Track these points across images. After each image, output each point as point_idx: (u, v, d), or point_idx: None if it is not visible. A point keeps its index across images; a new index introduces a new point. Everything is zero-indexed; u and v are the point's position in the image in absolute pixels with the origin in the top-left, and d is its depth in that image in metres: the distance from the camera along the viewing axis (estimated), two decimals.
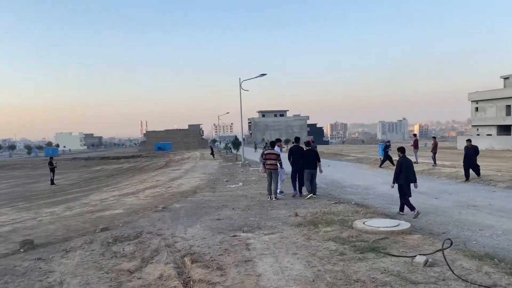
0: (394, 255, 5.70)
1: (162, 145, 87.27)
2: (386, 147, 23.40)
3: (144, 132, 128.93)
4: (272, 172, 11.93)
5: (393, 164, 22.46)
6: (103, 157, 66.42)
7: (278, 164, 11.97)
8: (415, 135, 25.63)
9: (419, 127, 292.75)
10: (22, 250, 7.32)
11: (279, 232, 7.57)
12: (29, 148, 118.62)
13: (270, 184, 12.10)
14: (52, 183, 26.57)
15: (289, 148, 13.21)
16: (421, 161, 24.58)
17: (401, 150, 10.17)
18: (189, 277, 5.27)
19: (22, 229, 9.97)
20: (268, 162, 11.97)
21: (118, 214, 11.25)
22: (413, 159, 23.04)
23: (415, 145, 23.76)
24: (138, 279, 5.33)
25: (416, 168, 20.67)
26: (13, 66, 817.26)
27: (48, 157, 36.01)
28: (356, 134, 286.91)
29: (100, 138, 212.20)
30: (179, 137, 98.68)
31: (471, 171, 15.82)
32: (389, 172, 20.55)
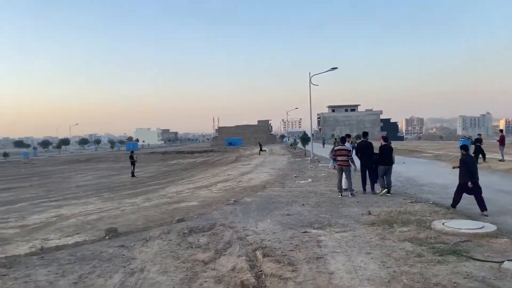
0: (478, 260, 5.30)
1: (233, 141, 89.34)
2: (477, 141, 21.83)
3: (216, 127, 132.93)
4: (344, 168, 11.68)
5: (484, 160, 20.99)
6: (179, 152, 69.55)
7: (349, 161, 11.69)
8: (501, 130, 23.60)
9: (505, 122, 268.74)
10: (107, 238, 7.93)
11: (351, 230, 7.40)
12: (112, 142, 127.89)
13: (340, 181, 11.86)
14: (133, 175, 28.36)
15: (357, 143, 12.82)
16: (507, 158, 22.58)
17: (464, 148, 10.33)
18: (261, 271, 5.34)
19: (107, 218, 10.78)
20: (339, 158, 11.74)
21: (193, 206, 11.73)
22: (499, 156, 21.44)
23: (502, 142, 21.88)
24: (212, 270, 5.51)
25: (503, 166, 19.05)
26: (100, 68, 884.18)
27: (129, 151, 38.47)
28: (434, 129, 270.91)
29: (175, 133, 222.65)
30: (248, 132, 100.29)
31: None
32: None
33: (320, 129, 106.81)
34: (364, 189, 12.23)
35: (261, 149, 47.23)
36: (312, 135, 38.46)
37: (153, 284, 5.06)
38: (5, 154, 64.53)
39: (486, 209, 9.22)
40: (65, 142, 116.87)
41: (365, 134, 12.74)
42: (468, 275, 4.75)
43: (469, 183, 9.45)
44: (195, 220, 9.15)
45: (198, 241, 7.14)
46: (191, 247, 6.76)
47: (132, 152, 31.38)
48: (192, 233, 7.73)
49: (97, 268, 5.84)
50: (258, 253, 6.06)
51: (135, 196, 15.97)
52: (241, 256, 6.00)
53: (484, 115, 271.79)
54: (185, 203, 12.36)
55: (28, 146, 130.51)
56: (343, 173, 11.80)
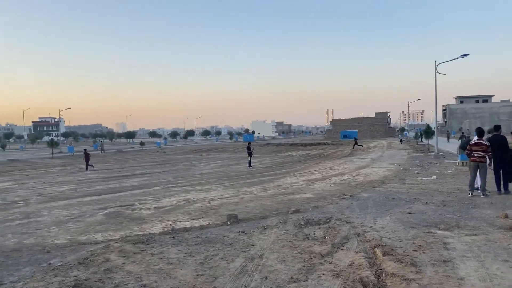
0: None
1: (348, 133, 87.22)
2: None
3: (330, 120, 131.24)
4: (480, 165, 10.58)
5: None
6: (292, 144, 70.49)
7: (487, 157, 10.55)
8: None
9: None
10: (228, 223, 8.43)
11: (484, 234, 6.68)
12: (231, 134, 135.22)
13: (474, 179, 10.78)
14: (250, 165, 29.61)
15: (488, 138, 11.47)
16: None
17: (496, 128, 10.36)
18: (381, 269, 5.15)
19: (227, 204, 11.45)
20: (475, 153, 10.64)
21: (308, 198, 11.80)
22: None
23: None
24: (329, 263, 5.49)
25: None
26: (219, 63, 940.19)
27: (247, 142, 40.23)
28: None
29: (289, 125, 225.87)
30: (365, 125, 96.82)
31: None
32: None
33: (445, 122, 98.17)
34: (499, 189, 10.94)
35: (356, 144, 45.67)
36: (437, 128, 35.49)
37: (272, 271, 5.23)
38: (142, 143, 72.67)
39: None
40: (190, 133, 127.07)
41: (498, 127, 11.46)
42: None
43: None
44: (311, 212, 9.19)
45: (314, 233, 7.17)
46: (308, 239, 6.82)
47: (249, 143, 32.78)
48: (308, 225, 7.79)
49: (220, 251, 6.26)
50: (378, 250, 5.85)
51: (252, 185, 16.64)
52: (360, 252, 5.86)
53: None
54: (300, 195, 12.48)
55: (160, 136, 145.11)
56: (478, 170, 10.69)
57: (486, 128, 60.08)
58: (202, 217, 9.72)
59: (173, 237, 7.35)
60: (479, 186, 10.88)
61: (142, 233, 8.12)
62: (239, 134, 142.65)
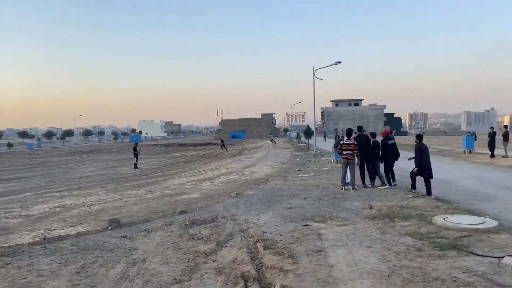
0: (478, 255, 5.31)
1: (236, 134, 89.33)
2: (494, 134, 21.92)
3: (220, 120, 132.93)
4: (349, 162, 11.73)
5: (493, 155, 21.08)
6: (182, 144, 69.71)
7: (354, 155, 11.74)
8: (505, 126, 23.49)
9: (510, 118, 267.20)
10: (110, 228, 7.98)
11: (352, 224, 7.42)
12: (115, 134, 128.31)
13: (345, 175, 11.91)
14: (136, 167, 28.47)
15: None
16: (511, 154, 22.48)
17: (419, 137, 11.52)
18: (262, 263, 5.38)
19: (109, 209, 10.85)
20: (345, 152, 11.78)
21: (195, 198, 11.78)
22: (502, 152, 21.37)
23: (505, 138, 21.80)
24: (213, 261, 5.56)
25: (506, 162, 18.98)
26: (104, 60, 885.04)
27: (133, 143, 38.58)
28: (438, 124, 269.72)
29: (179, 125, 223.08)
30: (252, 125, 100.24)
31: None
32: (473, 166, 19.12)
33: (323, 123, 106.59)
34: (364, 183, 12.31)
35: (223, 146, 48.92)
36: (316, 129, 38.39)
37: (155, 274, 5.11)
38: (9, 145, 64.73)
39: (431, 194, 10.68)
40: (69, 133, 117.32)
41: (360, 128, 13.02)
42: (467, 269, 4.76)
43: (415, 169, 11.01)
44: (197, 212, 9.20)
45: (200, 233, 7.19)
46: (193, 239, 6.81)
47: (135, 144, 31.48)
48: (194, 225, 7.79)
49: (99, 258, 5.90)
50: (259, 245, 6.11)
51: (138, 187, 16.05)
52: (242, 248, 6.04)
53: (488, 111, 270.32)
54: (187, 195, 12.41)
55: (32, 137, 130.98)
56: (348, 166, 11.84)
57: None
58: (80, 223, 9.05)
59: (45, 247, 6.70)
60: (349, 181, 12.08)
61: (7, 244, 7.24)
62: (124, 134, 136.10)
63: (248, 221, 7.95)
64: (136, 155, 28.80)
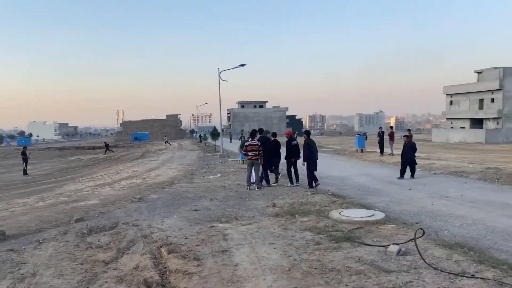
0: (368, 244, 5.82)
1: (139, 135, 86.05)
2: (383, 134, 24.06)
3: (121, 122, 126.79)
4: (254, 162, 12.02)
5: (382, 153, 23.20)
6: (79, 147, 65.11)
7: (259, 155, 12.08)
8: (391, 127, 26.15)
9: (396, 119, 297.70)
10: None
11: (256, 222, 7.61)
12: (0, 137, 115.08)
13: (250, 175, 12.20)
14: (25, 173, 25.92)
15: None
16: (396, 153, 25.03)
17: (307, 133, 12.62)
18: (166, 268, 5.26)
19: None
20: (250, 153, 12.05)
21: (94, 204, 11.07)
22: (388, 150, 23.73)
23: (391, 137, 24.25)
24: (113, 269, 5.28)
25: (392, 159, 21.10)
26: None
27: (21, 146, 35.06)
28: (334, 126, 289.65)
29: (75, 127, 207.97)
30: (156, 127, 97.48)
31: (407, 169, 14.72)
32: (365, 164, 20.90)
33: (230, 125, 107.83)
34: (268, 182, 12.77)
35: (107, 150, 47.92)
36: (222, 130, 38.65)
37: None
38: None
39: (313, 186, 11.98)
40: None
41: (261, 130, 13.60)
42: (359, 259, 5.18)
43: (302, 163, 12.12)
44: (96, 219, 8.66)
45: (99, 241, 6.78)
46: (91, 248, 6.39)
47: (24, 147, 28.67)
48: (92, 233, 7.31)
49: None
50: (163, 250, 5.95)
51: (27, 195, 14.61)
52: (145, 254, 5.84)
53: (377, 113, 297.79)
54: (85, 202, 11.61)
55: None
56: (253, 167, 12.12)
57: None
58: None
59: None
60: (254, 181, 12.40)
61: None
62: (11, 137, 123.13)
63: (151, 226, 7.71)
64: (25, 159, 26.21)
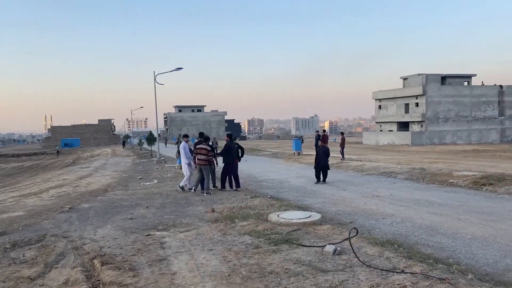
0: (306, 246, 5.94)
1: (69, 141, 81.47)
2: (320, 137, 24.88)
3: (49, 127, 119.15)
4: (202, 167, 11.93)
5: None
6: (0, 155, 60.25)
7: (208, 160, 12.10)
8: (324, 131, 27.20)
9: (329, 123, 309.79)
10: None
11: (195, 229, 7.48)
12: None
13: (199, 180, 12.17)
14: None
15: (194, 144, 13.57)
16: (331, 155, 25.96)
17: (229, 136, 13.02)
18: (99, 280, 4.98)
19: None
20: (199, 157, 11.91)
21: (18, 216, 10.23)
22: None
23: (325, 140, 25.25)
24: (40, 286, 4.91)
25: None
26: None
27: None
28: (272, 129, 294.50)
29: None
30: (88, 132, 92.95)
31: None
32: (302, 166, 21.44)
33: (167, 129, 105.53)
34: (202, 187, 12.63)
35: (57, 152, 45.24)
36: (159, 135, 37.69)
37: None
38: None
39: (239, 186, 12.52)
40: None
41: (201, 134, 13.44)
42: (297, 260, 5.27)
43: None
44: (20, 232, 8.01)
45: (24, 255, 6.27)
46: (15, 263, 5.89)
47: None
48: (16, 247, 6.75)
49: None
50: (96, 261, 5.64)
51: None
52: (76, 267, 5.49)
53: (313, 117, 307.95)
54: (8, 214, 10.70)
55: None
56: (202, 172, 12.06)
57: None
58: None
59: None
60: (193, 186, 12.28)
61: None
62: None
63: (83, 237, 7.28)
64: None
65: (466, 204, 9.96)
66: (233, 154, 12.75)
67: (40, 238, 7.28)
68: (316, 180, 14.67)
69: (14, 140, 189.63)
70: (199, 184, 12.37)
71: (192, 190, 12.39)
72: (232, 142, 13.08)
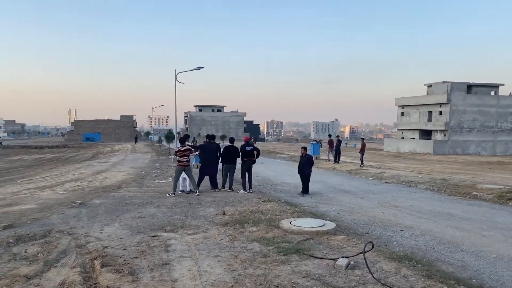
0: (317, 257, 5.58)
1: (91, 136, 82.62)
2: (339, 142, 24.72)
3: (72, 121, 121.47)
4: (185, 168, 11.83)
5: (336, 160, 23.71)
6: (25, 146, 61.51)
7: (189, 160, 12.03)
8: (330, 136, 26.90)
9: (350, 128, 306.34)
10: None
11: (203, 232, 7.20)
12: None
13: (177, 180, 12.09)
14: None
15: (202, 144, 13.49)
16: (349, 161, 25.46)
17: (208, 137, 13.09)
18: (96, 284, 4.75)
19: None
20: (180, 158, 11.84)
21: (29, 209, 10.18)
22: (326, 157, 24.21)
23: (330, 145, 25.30)
24: (35, 286, 4.70)
25: (344, 167, 21.32)
26: None
27: None
28: (291, 132, 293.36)
29: (23, 125, 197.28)
30: (110, 128, 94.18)
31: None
32: (319, 171, 20.99)
33: (187, 128, 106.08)
34: (198, 186, 12.43)
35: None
36: (178, 133, 37.71)
37: None
38: None
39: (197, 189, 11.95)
40: None
41: (209, 136, 13.35)
42: (307, 274, 4.92)
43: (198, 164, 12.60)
44: (27, 226, 7.89)
45: (26, 251, 6.11)
46: (15, 259, 5.72)
47: None
48: (20, 242, 6.60)
49: None
50: (97, 262, 5.42)
51: None
52: (76, 267, 5.28)
53: (333, 121, 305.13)
54: (20, 206, 10.66)
55: None
56: (183, 172, 11.91)
57: (219, 134, 68.30)
58: None
59: None
60: (188, 187, 12.29)
61: None
62: None
63: (88, 234, 7.10)
64: None
65: (490, 220, 9.40)
66: (210, 155, 12.56)
67: (45, 234, 7.12)
68: (301, 190, 13.32)
69: (38, 132, 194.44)
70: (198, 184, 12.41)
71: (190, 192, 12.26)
72: (211, 143, 12.94)
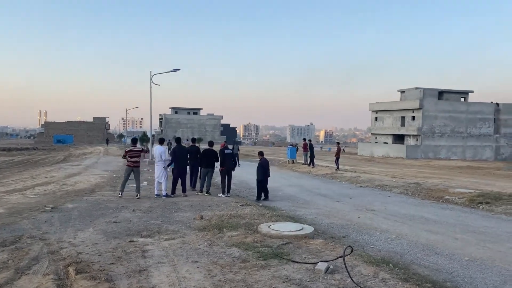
0: (296, 262, 5.58)
1: (62, 138, 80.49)
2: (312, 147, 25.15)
3: (43, 122, 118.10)
4: (134, 169, 11.79)
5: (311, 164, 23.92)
6: None
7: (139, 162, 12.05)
8: (304, 139, 27.31)
9: (325, 132, 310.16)
10: None
11: (181, 237, 7.10)
12: None
13: (126, 181, 12.12)
14: None
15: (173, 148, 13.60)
16: (325, 164, 25.74)
17: (176, 140, 13.17)
18: None
19: None
20: (131, 159, 11.77)
21: None
22: (303, 161, 24.49)
23: (305, 148, 25.70)
24: None
25: (320, 171, 21.53)
26: None
27: None
28: (268, 136, 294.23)
29: None
30: (82, 130, 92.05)
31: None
32: (296, 174, 21.11)
33: (162, 130, 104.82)
34: (174, 191, 12.46)
35: None
36: (153, 135, 37.21)
37: None
38: None
39: (173, 194, 12.10)
40: None
41: (178, 139, 13.48)
42: (287, 278, 4.91)
43: (167, 168, 12.30)
44: None
45: None
46: None
47: None
48: None
49: None
50: (71, 269, 5.25)
51: None
52: (49, 274, 5.10)
53: (309, 125, 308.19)
54: None
55: None
56: (132, 174, 11.88)
57: (196, 137, 67.54)
58: None
59: None
60: (163, 190, 12.22)
61: None
62: None
63: (61, 240, 6.87)
64: None
65: (462, 223, 9.67)
66: (180, 159, 12.55)
67: (16, 240, 6.86)
68: (257, 197, 12.93)
69: (6, 134, 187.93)
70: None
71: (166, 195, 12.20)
72: (180, 146, 13.03)
